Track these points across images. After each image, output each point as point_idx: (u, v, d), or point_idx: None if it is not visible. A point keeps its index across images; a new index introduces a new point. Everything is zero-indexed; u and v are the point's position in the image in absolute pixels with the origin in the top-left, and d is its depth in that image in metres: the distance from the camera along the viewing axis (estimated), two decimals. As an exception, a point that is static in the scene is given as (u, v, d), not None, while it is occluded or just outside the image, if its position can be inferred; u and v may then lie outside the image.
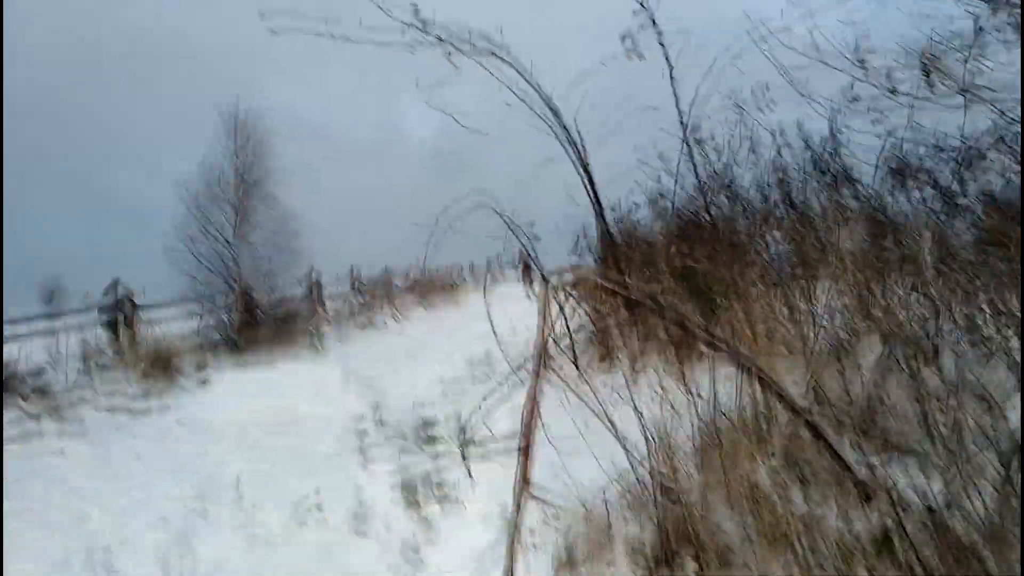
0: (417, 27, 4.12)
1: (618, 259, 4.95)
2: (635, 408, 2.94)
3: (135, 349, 8.73)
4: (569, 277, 1.56)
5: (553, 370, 3.63)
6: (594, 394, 3.04)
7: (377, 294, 19.22)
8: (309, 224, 12.87)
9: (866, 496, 2.49)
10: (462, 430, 4.85)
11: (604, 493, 2.95)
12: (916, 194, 3.89)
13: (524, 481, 1.49)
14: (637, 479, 2.92)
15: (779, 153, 4.36)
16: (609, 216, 5.04)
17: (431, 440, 5.08)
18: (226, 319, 11.50)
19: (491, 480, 3.74)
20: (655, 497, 2.80)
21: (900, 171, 3.93)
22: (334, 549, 3.50)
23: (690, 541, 2.70)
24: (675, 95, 4.16)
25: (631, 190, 5.03)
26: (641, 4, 4.48)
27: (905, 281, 3.55)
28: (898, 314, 3.38)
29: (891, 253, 3.66)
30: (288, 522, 3.81)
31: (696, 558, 2.68)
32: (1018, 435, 2.39)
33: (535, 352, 1.57)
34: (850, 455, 2.62)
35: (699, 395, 3.06)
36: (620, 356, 4.90)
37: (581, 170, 4.81)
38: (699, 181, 4.47)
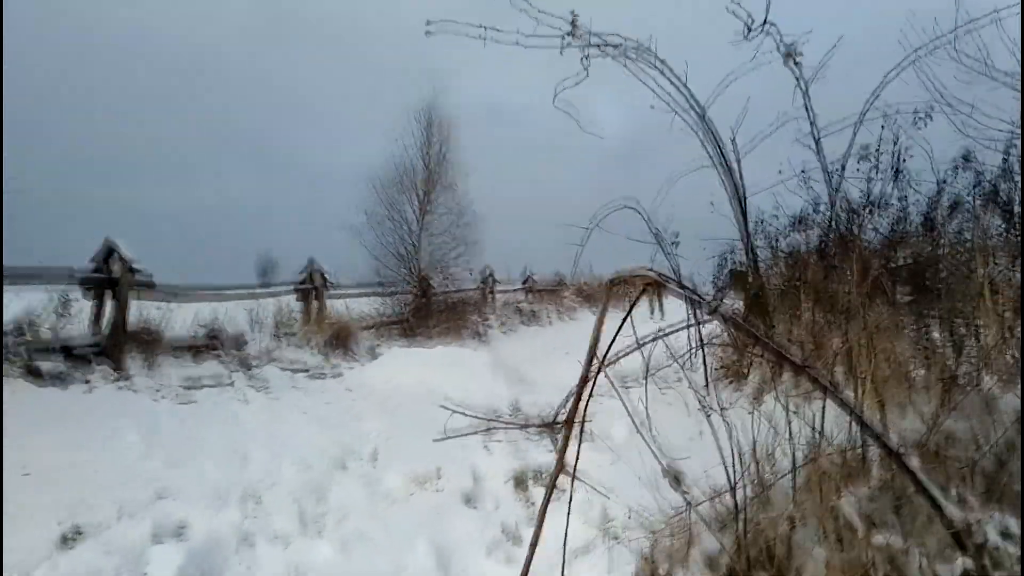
0: (569, 32, 4.25)
1: (760, 281, 4.84)
2: (730, 427, 2.95)
3: (321, 320, 9.76)
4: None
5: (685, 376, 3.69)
6: (706, 410, 3.11)
7: (546, 293, 19.80)
8: (481, 215, 13.51)
9: (958, 542, 2.36)
10: (578, 424, 5.02)
11: (694, 505, 3.00)
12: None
13: (561, 457, 1.66)
14: (731, 494, 2.95)
15: (934, 171, 4.06)
16: (753, 228, 4.93)
17: (553, 429, 5.27)
18: (403, 301, 12.45)
19: (597, 474, 3.88)
20: (743, 515, 2.82)
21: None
22: (441, 515, 3.83)
23: (771, 563, 2.71)
24: (808, 108, 3.98)
25: (777, 204, 4.89)
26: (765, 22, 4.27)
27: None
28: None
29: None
30: (409, 483, 4.20)
31: (774, 581, 2.68)
32: None
33: (591, 342, 1.73)
34: (948, 500, 2.48)
35: (804, 423, 3.02)
36: (735, 379, 4.82)
37: (726, 177, 4.74)
38: (841, 199, 4.27)
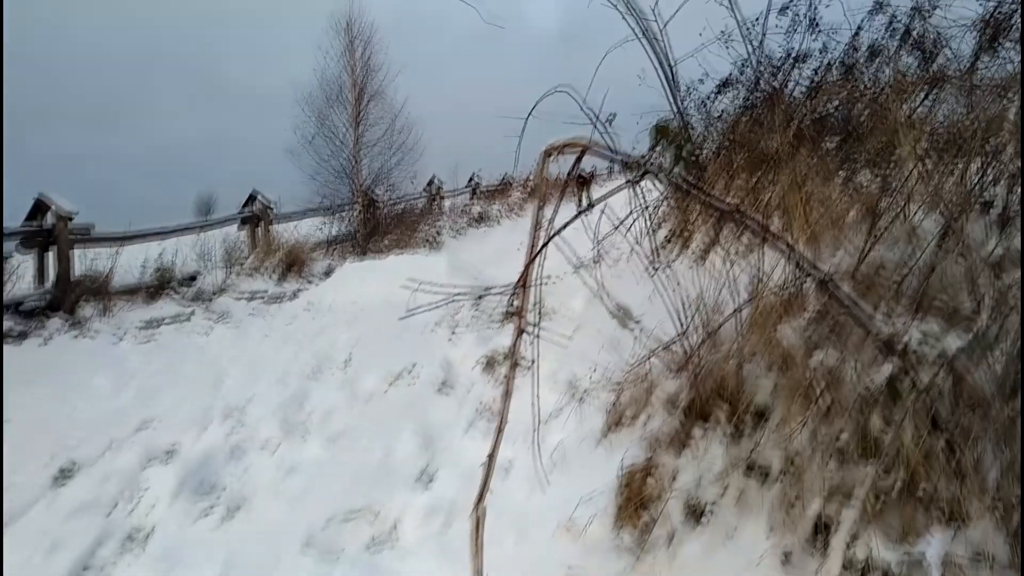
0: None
1: (692, 140, 4.97)
2: (675, 281, 3.13)
3: (269, 247, 9.67)
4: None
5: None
6: (652, 271, 3.29)
7: (494, 193, 19.75)
8: (418, 118, 13.32)
9: (888, 352, 2.60)
10: (537, 305, 5.21)
11: (651, 357, 3.22)
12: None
13: (518, 315, 1.79)
14: (681, 340, 3.18)
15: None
16: (682, 98, 5.00)
17: (511, 314, 5.48)
18: (350, 218, 12.33)
19: (559, 348, 4.09)
20: (695, 357, 3.05)
21: (990, 28, 3.66)
22: (419, 404, 4.03)
23: (724, 397, 2.96)
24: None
25: (704, 71, 4.95)
26: None
27: (984, 151, 3.38)
28: (968, 186, 3.28)
29: (967, 122, 3.49)
30: (383, 383, 4.37)
31: (729, 412, 2.94)
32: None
33: (535, 206, 1.83)
34: (876, 316, 2.71)
35: (745, 269, 3.22)
36: (682, 240, 5.02)
37: (650, 48, 4.77)
38: (762, 56, 4.35)
